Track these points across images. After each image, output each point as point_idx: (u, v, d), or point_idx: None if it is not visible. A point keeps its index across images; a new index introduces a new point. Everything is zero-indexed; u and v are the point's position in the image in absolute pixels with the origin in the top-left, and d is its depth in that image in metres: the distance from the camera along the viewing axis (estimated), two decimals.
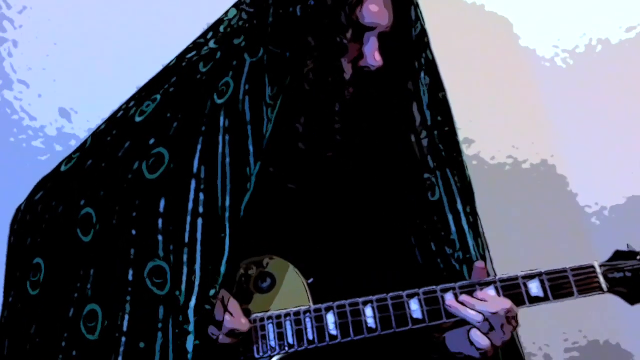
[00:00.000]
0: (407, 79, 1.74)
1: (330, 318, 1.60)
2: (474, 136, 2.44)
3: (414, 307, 1.59)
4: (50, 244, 1.75)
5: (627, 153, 2.45)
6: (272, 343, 1.61)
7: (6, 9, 2.42)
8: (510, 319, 1.57)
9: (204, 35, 1.77)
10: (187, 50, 1.77)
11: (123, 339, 1.58)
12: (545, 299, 1.58)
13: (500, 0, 2.46)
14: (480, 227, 1.75)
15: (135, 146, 1.71)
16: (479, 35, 2.45)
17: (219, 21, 1.75)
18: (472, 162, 2.38)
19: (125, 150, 1.71)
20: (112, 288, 1.61)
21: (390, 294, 1.60)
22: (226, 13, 1.75)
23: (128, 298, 1.59)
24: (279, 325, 1.62)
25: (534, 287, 1.58)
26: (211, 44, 1.73)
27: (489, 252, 1.74)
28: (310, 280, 1.65)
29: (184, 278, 1.56)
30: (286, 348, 1.61)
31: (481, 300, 1.58)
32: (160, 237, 1.60)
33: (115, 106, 1.82)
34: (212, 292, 1.55)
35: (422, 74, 1.73)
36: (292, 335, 1.61)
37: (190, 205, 1.59)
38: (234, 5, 1.75)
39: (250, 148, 1.60)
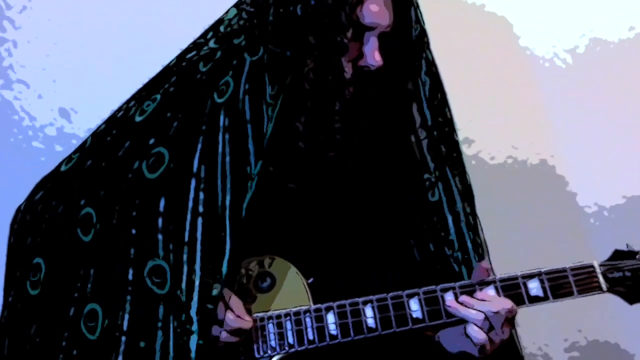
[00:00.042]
0: (407, 79, 1.75)
1: (330, 318, 1.60)
2: (474, 136, 2.44)
3: (414, 307, 1.59)
4: (50, 244, 1.74)
5: (627, 153, 2.45)
6: (273, 343, 1.61)
7: (6, 9, 2.42)
8: (510, 319, 1.58)
9: (204, 35, 1.76)
10: (187, 50, 1.77)
11: (123, 338, 1.58)
12: (545, 298, 1.58)
13: (500, 0, 2.46)
14: (480, 228, 1.75)
15: (135, 146, 1.70)
16: (479, 35, 2.45)
17: (219, 21, 1.75)
18: (472, 162, 2.39)
19: (125, 150, 1.71)
20: (113, 288, 1.61)
21: (391, 294, 1.60)
22: (226, 13, 1.75)
23: (128, 297, 1.59)
24: (280, 325, 1.62)
25: (534, 287, 1.58)
26: (211, 43, 1.73)
27: (488, 253, 1.74)
28: (310, 280, 1.64)
29: (184, 277, 1.56)
30: (286, 348, 1.61)
31: (481, 300, 1.58)
32: (160, 237, 1.59)
33: (115, 106, 1.82)
34: (214, 292, 1.55)
35: (422, 75, 1.74)
36: (293, 335, 1.60)
37: (190, 204, 1.59)
38: (234, 5, 1.75)
39: (251, 147, 1.60)
